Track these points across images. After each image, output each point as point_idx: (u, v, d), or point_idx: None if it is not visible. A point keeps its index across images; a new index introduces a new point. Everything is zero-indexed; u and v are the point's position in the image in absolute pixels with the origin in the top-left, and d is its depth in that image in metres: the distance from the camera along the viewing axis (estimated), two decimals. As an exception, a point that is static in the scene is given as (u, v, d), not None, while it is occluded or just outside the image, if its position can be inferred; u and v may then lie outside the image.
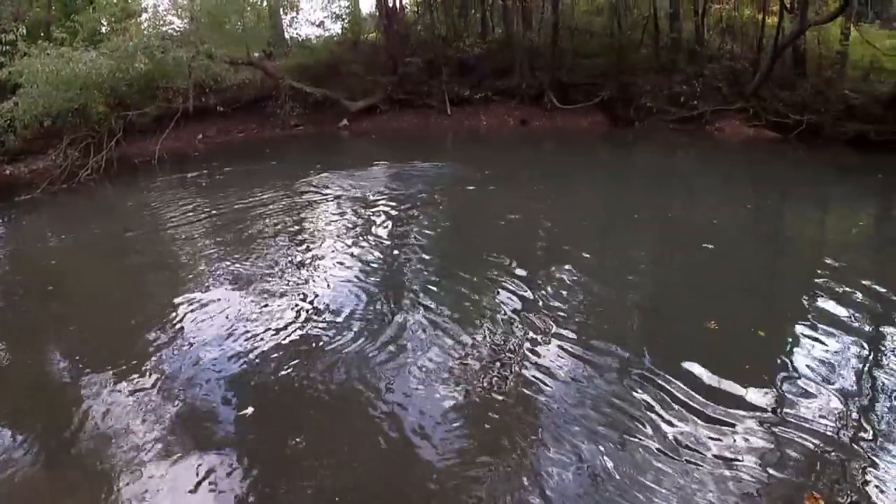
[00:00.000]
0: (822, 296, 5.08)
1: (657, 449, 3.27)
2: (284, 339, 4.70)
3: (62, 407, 4.26)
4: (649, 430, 3.41)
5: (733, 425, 3.42)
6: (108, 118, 14.15)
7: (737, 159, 11.89)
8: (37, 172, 14.55)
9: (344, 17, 15.86)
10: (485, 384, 3.94)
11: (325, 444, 3.50)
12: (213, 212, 9.30)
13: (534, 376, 3.99)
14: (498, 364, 4.19)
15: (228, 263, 6.65)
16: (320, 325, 4.91)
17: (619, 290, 5.38)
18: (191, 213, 9.29)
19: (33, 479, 3.56)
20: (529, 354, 4.28)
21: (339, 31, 15.84)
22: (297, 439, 3.56)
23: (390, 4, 15.54)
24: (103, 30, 17.10)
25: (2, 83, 14.61)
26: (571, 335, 4.45)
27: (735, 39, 16.45)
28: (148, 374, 4.41)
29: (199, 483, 3.27)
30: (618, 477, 3.09)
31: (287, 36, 16.57)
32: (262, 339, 4.71)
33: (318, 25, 15.80)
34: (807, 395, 3.70)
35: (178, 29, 15.57)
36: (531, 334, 4.55)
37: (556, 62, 15.73)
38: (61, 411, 4.20)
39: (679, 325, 4.77)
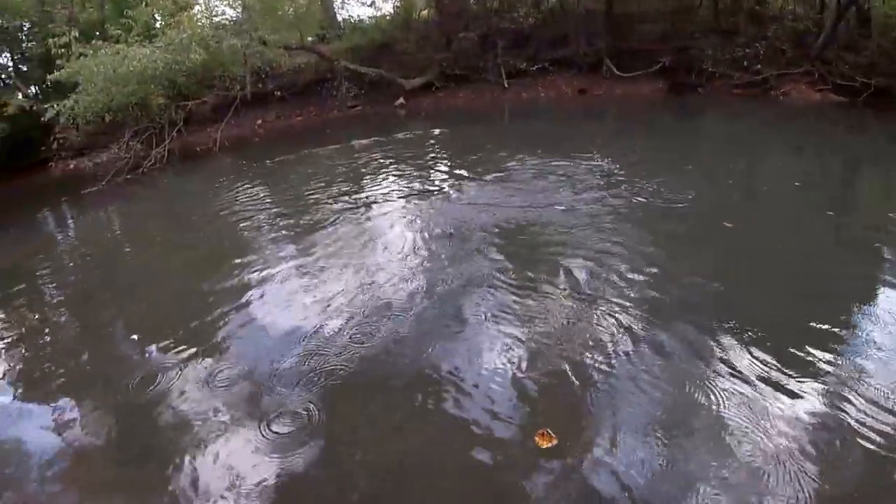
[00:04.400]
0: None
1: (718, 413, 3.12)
2: (347, 317, 4.56)
3: (129, 384, 4.33)
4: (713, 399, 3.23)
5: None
6: (168, 109, 14.29)
7: (803, 125, 11.17)
8: (101, 165, 14.83)
9: (396, -4, 15.67)
10: (549, 363, 3.68)
11: (388, 419, 3.43)
12: (275, 194, 9.28)
13: (598, 352, 3.73)
14: (562, 338, 3.92)
15: (291, 245, 6.60)
16: (383, 303, 4.73)
17: (681, 258, 5.04)
18: (253, 197, 9.25)
19: (98, 452, 3.68)
20: (591, 325, 4.02)
21: (392, 10, 15.68)
22: (361, 414, 3.51)
23: (441, -20, 15.28)
24: (157, 24, 17.38)
25: (61, 83, 15.03)
26: (634, 309, 4.16)
27: (797, -1, 15.66)
28: (212, 352, 4.44)
29: (262, 454, 3.26)
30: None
31: (339, 18, 16.46)
32: (325, 318, 4.59)
33: (370, 5, 15.66)
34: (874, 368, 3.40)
35: (230, 18, 15.66)
36: (593, 306, 4.26)
37: (612, 28, 15.18)
38: (128, 388, 4.27)
39: (741, 294, 4.38)
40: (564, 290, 4.56)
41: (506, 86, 14.28)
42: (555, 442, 3.01)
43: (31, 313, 6.64)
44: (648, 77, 14.44)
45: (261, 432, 3.43)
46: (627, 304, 4.22)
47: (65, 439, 3.90)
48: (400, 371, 3.79)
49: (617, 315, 4.07)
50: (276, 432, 3.43)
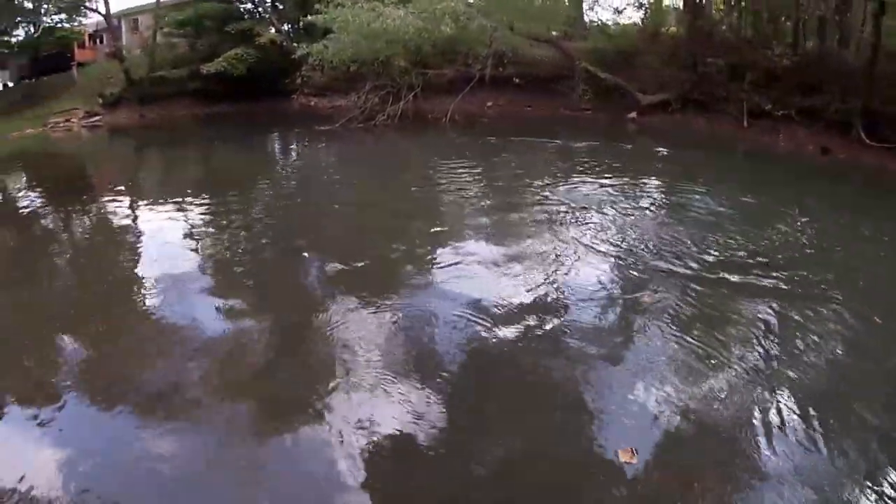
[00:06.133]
0: None
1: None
2: (518, 308, 4.53)
3: (302, 306, 4.79)
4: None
5: None
6: (409, 73, 15.10)
7: None
8: (337, 109, 16.10)
9: (647, 6, 15.39)
10: (699, 423, 3.31)
11: (518, 417, 3.39)
12: (487, 173, 9.51)
13: (752, 429, 3.27)
14: (718, 404, 3.48)
15: (490, 225, 6.76)
16: (557, 305, 4.63)
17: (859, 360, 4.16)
18: (467, 172, 9.57)
19: (248, 354, 4.03)
20: (751, 400, 3.51)
21: (640, 21, 15.44)
22: (496, 402, 3.52)
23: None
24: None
25: (315, 26, 16.37)
26: (803, 396, 3.56)
27: None
28: (384, 305, 4.63)
29: (392, 408, 3.36)
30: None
31: (587, 19, 16.53)
32: (497, 302, 4.60)
33: (620, 12, 15.55)
34: None
35: (480, 2, 16.21)
36: (757, 380, 3.71)
37: (870, 87, 13.95)
38: (299, 310, 4.69)
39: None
40: (733, 354, 4.03)
41: (745, 124, 13.59)
42: (635, 461, 2.96)
43: (238, 220, 7.52)
44: (896, 152, 13.16)
45: (399, 388, 3.55)
46: (798, 387, 3.67)
47: (228, 329, 4.39)
48: (550, 380, 3.71)
49: (783, 398, 3.53)
50: (411, 392, 3.51)
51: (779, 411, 3.39)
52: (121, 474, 2.94)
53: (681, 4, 15.22)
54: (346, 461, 2.98)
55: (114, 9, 23.63)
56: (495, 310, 4.47)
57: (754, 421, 3.31)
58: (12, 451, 3.18)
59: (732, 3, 16.39)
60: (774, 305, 4.63)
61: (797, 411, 3.39)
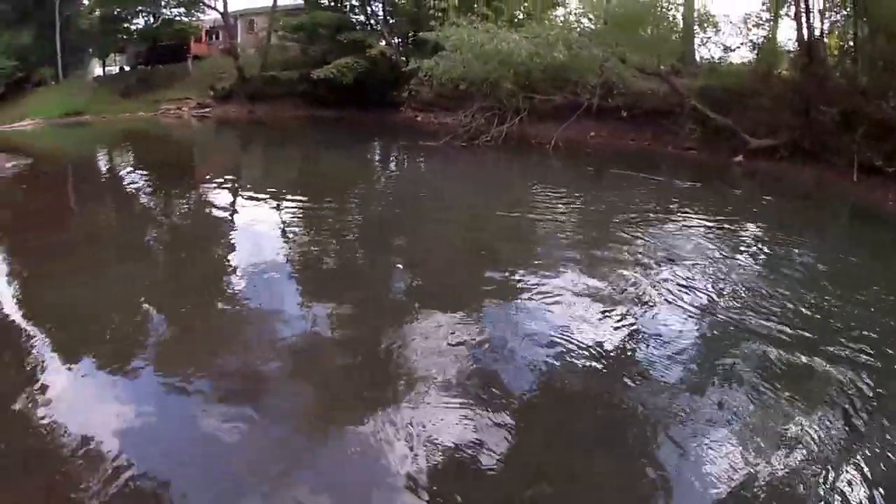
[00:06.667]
0: None
1: None
2: (596, 350, 4.48)
3: (383, 309, 5.06)
4: None
5: None
6: (516, 96, 15.56)
7: None
8: (443, 126, 16.70)
9: (760, 46, 15.28)
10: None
11: (573, 451, 3.42)
12: (587, 205, 9.63)
13: None
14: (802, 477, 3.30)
15: (580, 259, 6.73)
16: (638, 351, 4.59)
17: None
18: (565, 200, 9.80)
19: (327, 359, 4.27)
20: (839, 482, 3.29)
21: (752, 60, 15.31)
22: (556, 455, 3.43)
23: (813, 41, 14.55)
24: (520, 16, 18.91)
25: (425, 42, 17.06)
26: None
27: None
28: (467, 320, 4.81)
29: (457, 433, 3.40)
30: None
31: (697, 56, 16.56)
32: (582, 338, 4.62)
33: (732, 50, 15.49)
34: None
35: (589, 29, 16.47)
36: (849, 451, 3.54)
37: None
38: (379, 315, 4.94)
39: None
40: (820, 424, 3.84)
41: (854, 178, 13.34)
42: None
43: (333, 223, 7.94)
44: None
45: (460, 407, 3.64)
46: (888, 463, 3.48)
47: (307, 327, 4.64)
48: (621, 429, 3.63)
49: (872, 474, 3.37)
50: (470, 413, 3.59)
51: (868, 486, 3.25)
52: (178, 451, 3.24)
53: (795, 46, 15.01)
54: (401, 467, 3.15)
55: (231, 8, 25.26)
56: (573, 348, 4.49)
57: (838, 494, 3.22)
58: (84, 408, 3.59)
59: (845, 48, 16.05)
60: (867, 376, 4.46)
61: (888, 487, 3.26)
